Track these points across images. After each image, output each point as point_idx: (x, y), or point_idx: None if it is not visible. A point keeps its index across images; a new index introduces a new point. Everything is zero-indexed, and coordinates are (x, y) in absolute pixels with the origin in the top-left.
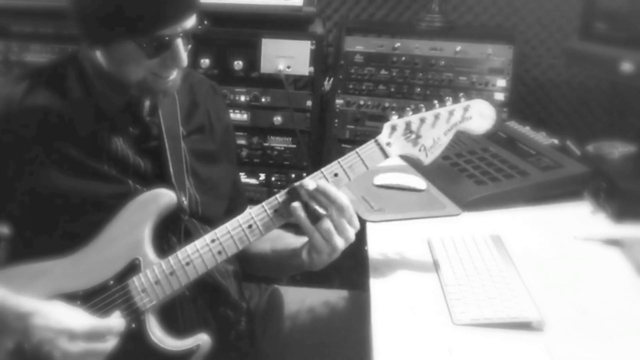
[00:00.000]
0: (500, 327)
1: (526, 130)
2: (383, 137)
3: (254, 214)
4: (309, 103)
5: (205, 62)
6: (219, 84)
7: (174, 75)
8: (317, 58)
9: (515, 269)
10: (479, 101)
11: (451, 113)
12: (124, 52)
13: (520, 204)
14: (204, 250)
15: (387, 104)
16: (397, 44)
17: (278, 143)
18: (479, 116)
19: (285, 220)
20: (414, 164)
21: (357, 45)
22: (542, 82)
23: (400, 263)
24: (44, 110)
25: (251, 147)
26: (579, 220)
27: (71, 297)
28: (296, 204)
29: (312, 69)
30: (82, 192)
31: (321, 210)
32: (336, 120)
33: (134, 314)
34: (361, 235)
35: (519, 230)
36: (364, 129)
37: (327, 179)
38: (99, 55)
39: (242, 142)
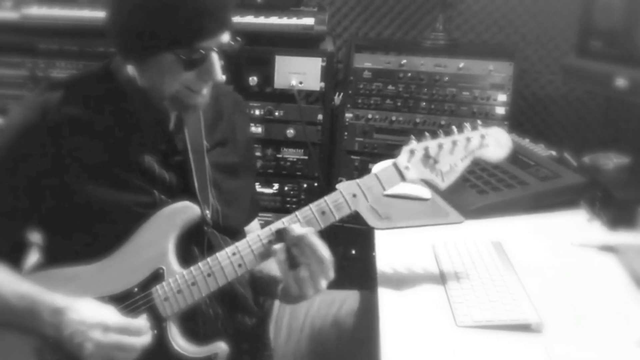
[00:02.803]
0: (501, 328)
1: (526, 142)
2: (402, 161)
3: (274, 229)
4: (320, 117)
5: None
6: None
7: (206, 90)
8: (327, 74)
9: (516, 273)
10: (496, 129)
11: (468, 140)
12: (162, 64)
13: (520, 212)
14: (225, 263)
15: (394, 118)
16: (404, 61)
17: (291, 154)
18: (495, 144)
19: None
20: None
21: (366, 62)
22: (540, 97)
23: (406, 268)
24: (78, 120)
25: (265, 158)
26: (576, 227)
27: (99, 302)
28: (278, 247)
29: (323, 84)
30: (110, 200)
31: (301, 259)
32: (346, 133)
33: (156, 321)
34: (369, 241)
35: (519, 237)
36: (372, 142)
37: (345, 199)
38: (131, 70)
39: (256, 153)
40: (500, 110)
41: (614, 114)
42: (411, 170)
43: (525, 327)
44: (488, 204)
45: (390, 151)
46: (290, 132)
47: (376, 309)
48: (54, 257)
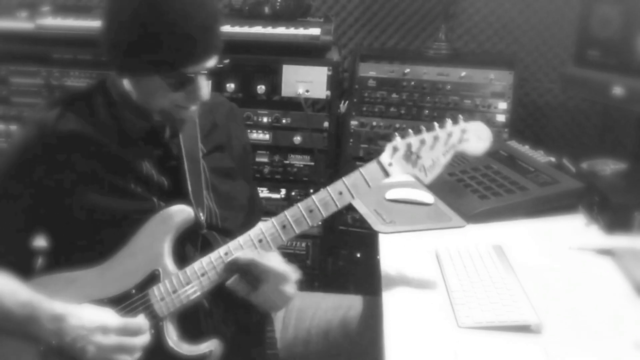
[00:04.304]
0: (501, 329)
1: (525, 149)
2: (385, 158)
3: (263, 229)
4: (326, 124)
5: (230, 86)
6: (243, 107)
7: (195, 107)
8: (333, 83)
9: (516, 276)
10: (476, 123)
11: (449, 135)
12: (150, 84)
13: (520, 217)
14: (217, 262)
15: (397, 125)
16: (407, 70)
17: (297, 161)
18: (476, 138)
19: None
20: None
21: (370, 71)
22: (540, 105)
23: (409, 271)
24: (75, 134)
25: (273, 164)
26: (574, 231)
27: (97, 304)
28: (234, 278)
29: (328, 92)
30: (111, 208)
31: (257, 282)
32: (351, 140)
33: (153, 320)
34: (374, 245)
35: (519, 240)
36: (376, 148)
37: (332, 197)
38: (126, 83)
39: (264, 159)
40: (501, 118)
41: (611, 121)
42: (394, 166)
43: (525, 328)
44: (489, 209)
45: None
46: (297, 139)
47: (380, 311)
48: (57, 261)
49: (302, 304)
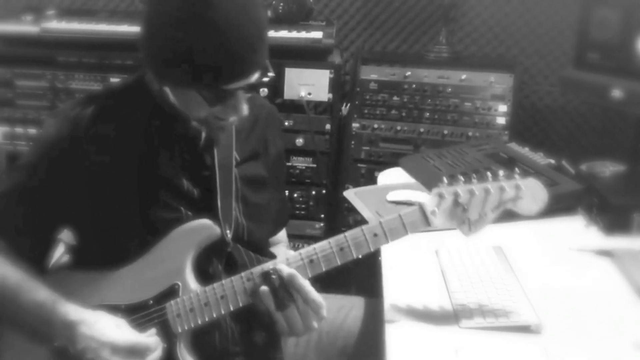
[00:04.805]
0: (501, 330)
1: (525, 151)
2: (429, 205)
3: (291, 260)
4: (328, 126)
5: None
6: None
7: (233, 118)
8: (335, 85)
9: (516, 277)
10: (533, 181)
11: (502, 190)
12: (188, 96)
13: (520, 218)
14: (238, 288)
15: (399, 127)
16: (408, 73)
17: (300, 163)
18: (530, 198)
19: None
20: (426, 184)
21: (372, 74)
22: (539, 108)
23: (411, 272)
24: (107, 137)
25: None
26: (574, 233)
27: (113, 309)
28: (264, 289)
29: (330, 95)
30: (136, 215)
31: (288, 301)
32: (353, 142)
33: (167, 335)
34: None
35: (519, 241)
36: (377, 150)
37: (365, 237)
38: (167, 89)
39: None
40: (501, 121)
41: (610, 123)
42: (438, 216)
43: (524, 329)
44: None
45: (395, 159)
46: (300, 141)
47: (382, 312)
48: (81, 259)
49: None
